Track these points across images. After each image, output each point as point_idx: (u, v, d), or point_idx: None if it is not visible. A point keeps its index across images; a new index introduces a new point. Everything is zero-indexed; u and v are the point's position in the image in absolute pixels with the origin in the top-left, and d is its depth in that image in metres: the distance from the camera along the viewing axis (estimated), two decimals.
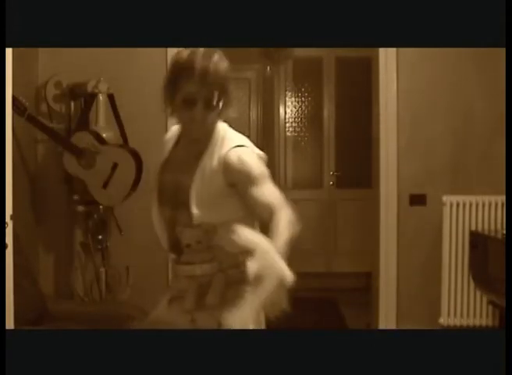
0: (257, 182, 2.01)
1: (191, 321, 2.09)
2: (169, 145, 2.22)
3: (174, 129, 2.24)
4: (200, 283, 2.09)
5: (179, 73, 2.00)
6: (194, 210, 2.04)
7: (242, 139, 2.12)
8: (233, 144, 2.07)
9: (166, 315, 2.17)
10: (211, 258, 2.06)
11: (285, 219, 1.88)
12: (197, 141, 2.10)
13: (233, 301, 1.83)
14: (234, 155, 2.04)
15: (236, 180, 2.03)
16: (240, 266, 1.99)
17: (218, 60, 2.00)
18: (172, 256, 2.17)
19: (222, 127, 2.13)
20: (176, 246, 2.12)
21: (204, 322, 2.07)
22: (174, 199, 2.11)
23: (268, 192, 2.00)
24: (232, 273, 2.06)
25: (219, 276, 2.08)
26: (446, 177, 4.26)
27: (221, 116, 2.08)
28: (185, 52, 2.01)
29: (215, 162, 2.05)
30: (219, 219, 2.05)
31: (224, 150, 2.05)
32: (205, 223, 2.04)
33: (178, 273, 2.16)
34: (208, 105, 2.00)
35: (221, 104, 2.03)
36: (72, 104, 4.10)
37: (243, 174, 2.02)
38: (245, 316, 1.76)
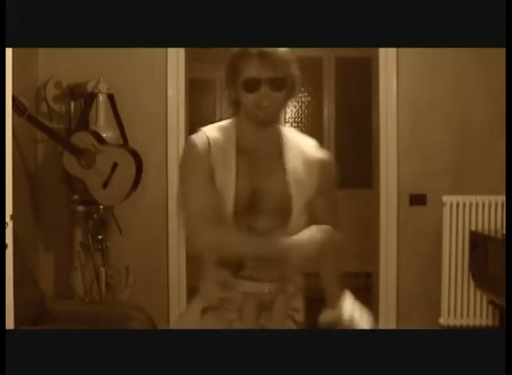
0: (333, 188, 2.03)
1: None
2: (230, 152, 1.98)
3: (213, 137, 1.99)
4: (261, 301, 1.98)
5: (238, 58, 1.94)
6: (295, 217, 1.97)
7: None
8: (311, 142, 2.04)
9: (202, 325, 2.02)
10: (278, 277, 1.98)
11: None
12: (265, 125, 1.97)
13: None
14: (325, 155, 2.03)
15: (324, 182, 2.01)
16: (299, 284, 2.03)
17: None
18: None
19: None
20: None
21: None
22: (258, 207, 1.97)
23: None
24: (293, 291, 2.04)
25: (282, 298, 2.01)
26: (446, 177, 4.27)
27: (289, 98, 1.98)
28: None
29: (303, 161, 2.00)
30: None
31: (308, 147, 2.02)
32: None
33: (236, 287, 1.97)
34: (273, 86, 1.91)
35: (287, 85, 1.93)
36: (72, 104, 4.11)
37: (331, 176, 2.02)
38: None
